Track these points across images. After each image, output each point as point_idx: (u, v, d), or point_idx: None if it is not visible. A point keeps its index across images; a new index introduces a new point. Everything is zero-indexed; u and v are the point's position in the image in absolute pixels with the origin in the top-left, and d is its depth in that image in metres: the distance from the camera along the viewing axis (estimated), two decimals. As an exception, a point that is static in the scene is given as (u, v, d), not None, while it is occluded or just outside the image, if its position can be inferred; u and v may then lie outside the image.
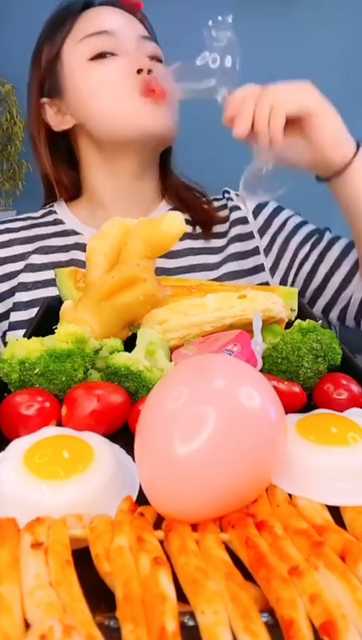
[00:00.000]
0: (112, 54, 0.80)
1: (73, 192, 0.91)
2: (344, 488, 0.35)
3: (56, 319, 0.56)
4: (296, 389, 0.47)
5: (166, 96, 0.77)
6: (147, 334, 0.50)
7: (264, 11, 2.14)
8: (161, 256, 0.57)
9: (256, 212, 0.91)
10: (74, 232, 0.88)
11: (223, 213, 0.91)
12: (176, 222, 0.54)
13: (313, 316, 0.61)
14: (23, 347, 0.47)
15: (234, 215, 0.90)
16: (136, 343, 0.49)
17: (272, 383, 0.40)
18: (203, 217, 0.89)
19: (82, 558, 0.29)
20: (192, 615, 0.26)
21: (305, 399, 0.47)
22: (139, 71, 0.78)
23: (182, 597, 0.27)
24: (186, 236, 0.87)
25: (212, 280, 0.81)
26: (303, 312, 0.62)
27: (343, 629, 0.24)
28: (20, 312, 0.81)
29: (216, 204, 0.93)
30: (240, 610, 0.25)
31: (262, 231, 0.89)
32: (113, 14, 0.83)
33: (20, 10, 2.11)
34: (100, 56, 0.79)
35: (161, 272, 0.79)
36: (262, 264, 0.87)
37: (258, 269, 0.86)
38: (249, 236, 0.88)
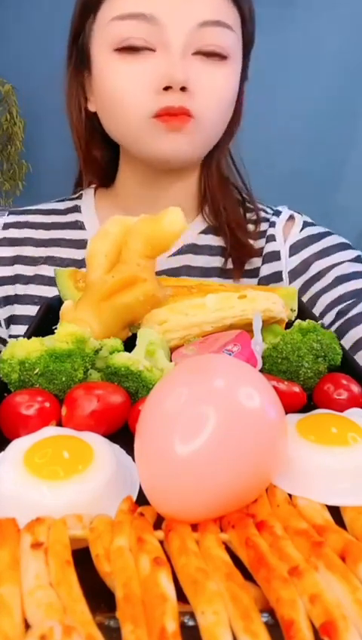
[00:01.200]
0: (147, 49, 0.61)
1: (102, 177, 0.80)
2: (344, 488, 0.35)
3: (56, 319, 0.56)
4: (296, 389, 0.47)
5: (190, 124, 0.63)
6: (147, 334, 0.49)
7: (264, 11, 2.15)
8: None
9: (294, 250, 0.75)
10: None
11: (259, 243, 0.76)
12: (176, 219, 0.54)
13: (313, 316, 0.61)
14: (23, 347, 0.47)
15: (269, 248, 0.76)
16: (136, 343, 0.49)
17: (272, 383, 0.40)
18: (239, 253, 0.74)
19: (82, 559, 0.29)
20: (192, 615, 0.26)
21: (305, 399, 0.47)
22: (167, 88, 0.61)
23: (182, 597, 0.27)
24: (215, 272, 0.75)
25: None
26: (303, 312, 0.62)
27: (343, 629, 0.24)
28: (22, 326, 0.75)
29: (259, 228, 0.78)
30: (241, 611, 0.25)
31: (293, 275, 0.74)
32: None
33: (20, 10, 2.12)
34: (130, 48, 0.61)
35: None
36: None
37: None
38: (277, 277, 0.75)
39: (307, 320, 0.53)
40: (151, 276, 0.55)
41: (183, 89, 0.61)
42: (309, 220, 0.81)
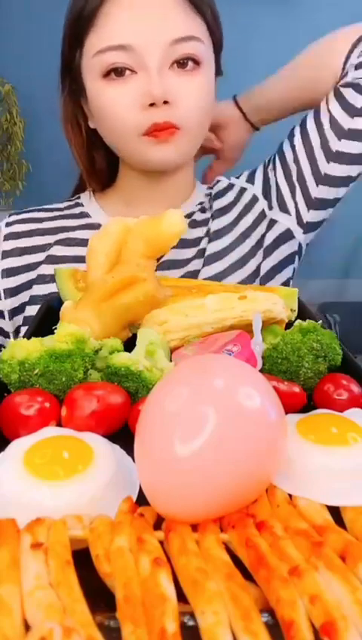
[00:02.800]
0: (131, 70, 0.69)
1: (105, 180, 0.86)
2: (344, 488, 0.35)
3: (56, 319, 0.56)
4: (296, 389, 0.47)
5: (176, 134, 0.70)
6: (147, 334, 0.49)
7: (263, 10, 2.14)
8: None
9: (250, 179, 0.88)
10: (100, 226, 0.80)
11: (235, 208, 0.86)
12: (175, 221, 0.54)
13: (313, 316, 0.61)
14: (23, 348, 0.47)
15: (244, 199, 0.86)
16: (136, 342, 0.49)
17: (272, 383, 0.40)
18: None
19: (82, 559, 0.29)
20: (192, 615, 0.26)
21: (305, 399, 0.47)
22: (152, 104, 0.68)
23: (182, 596, 0.27)
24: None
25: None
26: (303, 313, 0.62)
27: (343, 629, 0.24)
28: (37, 306, 0.76)
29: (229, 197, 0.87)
30: (241, 611, 0.25)
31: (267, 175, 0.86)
32: (134, 16, 0.67)
33: (21, 11, 2.12)
34: (115, 72, 0.69)
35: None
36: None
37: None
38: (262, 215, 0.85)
39: (307, 320, 0.53)
40: (151, 276, 0.55)
41: (165, 102, 0.69)
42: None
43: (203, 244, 0.83)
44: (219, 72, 0.80)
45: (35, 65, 2.00)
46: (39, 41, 2.02)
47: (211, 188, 0.89)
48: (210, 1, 0.73)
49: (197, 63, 0.71)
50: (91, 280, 0.55)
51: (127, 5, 0.68)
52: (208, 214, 0.86)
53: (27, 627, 0.25)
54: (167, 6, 0.68)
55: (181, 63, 0.70)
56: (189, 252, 0.82)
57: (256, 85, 0.88)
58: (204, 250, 0.82)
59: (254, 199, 0.85)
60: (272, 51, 2.21)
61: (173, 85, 0.69)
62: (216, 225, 0.83)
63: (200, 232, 0.85)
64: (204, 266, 0.80)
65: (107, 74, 0.69)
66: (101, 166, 0.85)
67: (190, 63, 0.70)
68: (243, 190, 0.86)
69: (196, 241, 0.83)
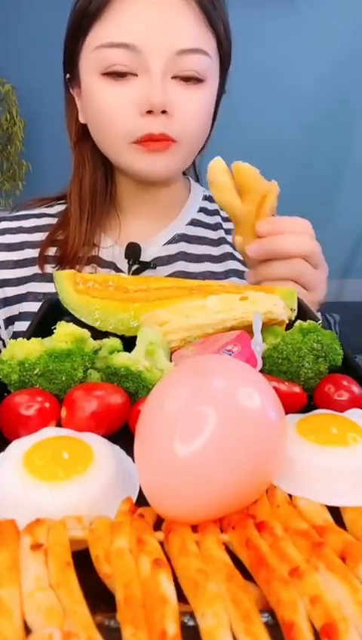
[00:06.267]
0: (130, 74, 0.66)
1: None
2: (344, 489, 0.34)
3: (56, 319, 0.56)
4: (297, 389, 0.47)
5: (171, 147, 0.69)
6: (147, 334, 0.49)
7: (264, 11, 2.14)
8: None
9: None
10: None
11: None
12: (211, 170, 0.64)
13: (313, 317, 0.61)
14: (23, 348, 0.47)
15: None
16: (136, 343, 0.49)
17: (272, 383, 0.40)
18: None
19: (82, 560, 0.29)
20: (192, 615, 0.26)
21: (306, 400, 0.47)
22: (150, 111, 0.66)
23: (182, 596, 0.26)
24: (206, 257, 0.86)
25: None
26: (303, 313, 0.62)
27: (344, 631, 0.24)
28: (26, 322, 0.76)
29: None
30: (241, 613, 0.25)
31: None
32: (144, 16, 0.64)
33: (21, 11, 2.12)
34: (115, 74, 0.67)
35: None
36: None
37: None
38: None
39: (307, 320, 0.53)
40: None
41: (163, 112, 0.67)
42: None
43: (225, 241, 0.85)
44: (223, 89, 0.77)
45: (35, 65, 2.00)
46: (39, 41, 2.03)
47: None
48: (223, 15, 0.71)
49: (201, 80, 0.69)
50: (243, 212, 0.64)
51: (138, 5, 0.65)
52: (217, 218, 0.88)
53: (27, 629, 0.25)
54: (179, 14, 0.66)
55: (184, 78, 0.68)
56: (216, 250, 0.85)
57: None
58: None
59: None
60: (274, 52, 2.22)
61: (173, 96, 0.67)
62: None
63: (215, 234, 0.86)
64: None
65: (107, 74, 0.67)
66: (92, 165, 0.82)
67: (193, 79, 0.68)
68: None
69: (219, 241, 0.86)
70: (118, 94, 0.67)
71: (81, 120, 0.77)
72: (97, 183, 0.79)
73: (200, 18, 0.67)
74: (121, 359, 0.47)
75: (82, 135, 0.78)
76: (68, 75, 0.77)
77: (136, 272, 0.79)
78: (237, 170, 0.64)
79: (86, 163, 0.79)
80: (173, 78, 0.68)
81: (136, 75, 0.67)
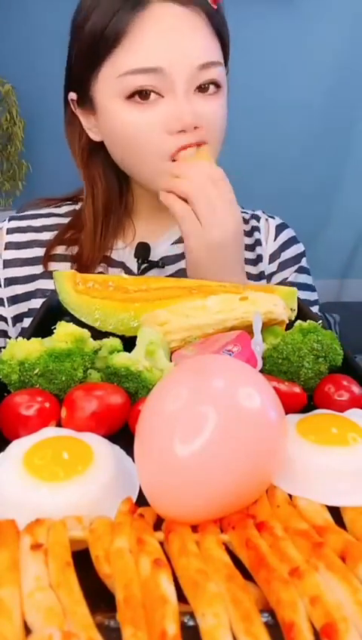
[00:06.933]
0: (156, 94, 0.67)
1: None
2: (344, 489, 0.34)
3: (56, 319, 0.56)
4: (297, 389, 0.47)
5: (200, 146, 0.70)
6: (147, 334, 0.49)
7: (264, 10, 2.14)
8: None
9: (274, 256, 0.87)
10: None
11: (249, 240, 0.86)
12: None
13: (313, 317, 0.61)
14: (23, 348, 0.47)
15: (257, 250, 0.87)
16: (136, 343, 0.49)
17: (273, 383, 0.40)
18: None
19: (82, 560, 0.29)
20: (192, 615, 0.26)
21: (306, 400, 0.47)
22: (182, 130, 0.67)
23: (182, 596, 0.26)
24: None
25: None
26: (303, 313, 0.62)
27: (344, 631, 0.24)
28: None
29: (244, 227, 0.86)
30: (241, 613, 0.25)
31: (269, 277, 0.87)
32: (164, 38, 0.65)
33: (21, 11, 2.11)
34: (139, 94, 0.67)
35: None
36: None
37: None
38: (258, 278, 0.85)
39: (307, 321, 0.53)
40: None
41: (195, 128, 0.68)
42: (279, 221, 0.91)
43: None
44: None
45: (35, 65, 2.00)
46: (39, 41, 2.03)
47: None
48: (224, 19, 0.72)
49: (218, 86, 0.70)
50: None
51: (157, 26, 0.66)
52: None
53: (27, 629, 0.25)
54: (193, 29, 0.67)
55: (202, 87, 0.69)
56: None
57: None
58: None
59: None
60: (274, 51, 2.22)
61: (200, 110, 0.68)
62: None
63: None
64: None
65: (132, 97, 0.67)
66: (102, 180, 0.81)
67: (211, 87, 0.69)
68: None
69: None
70: (146, 118, 0.68)
71: (96, 138, 0.76)
72: (111, 199, 0.80)
73: (210, 29, 0.69)
74: (121, 359, 0.47)
75: (90, 153, 0.78)
76: (73, 95, 0.76)
77: (145, 271, 0.79)
78: None
79: (98, 181, 0.79)
80: (195, 92, 0.69)
81: (162, 96, 0.68)
